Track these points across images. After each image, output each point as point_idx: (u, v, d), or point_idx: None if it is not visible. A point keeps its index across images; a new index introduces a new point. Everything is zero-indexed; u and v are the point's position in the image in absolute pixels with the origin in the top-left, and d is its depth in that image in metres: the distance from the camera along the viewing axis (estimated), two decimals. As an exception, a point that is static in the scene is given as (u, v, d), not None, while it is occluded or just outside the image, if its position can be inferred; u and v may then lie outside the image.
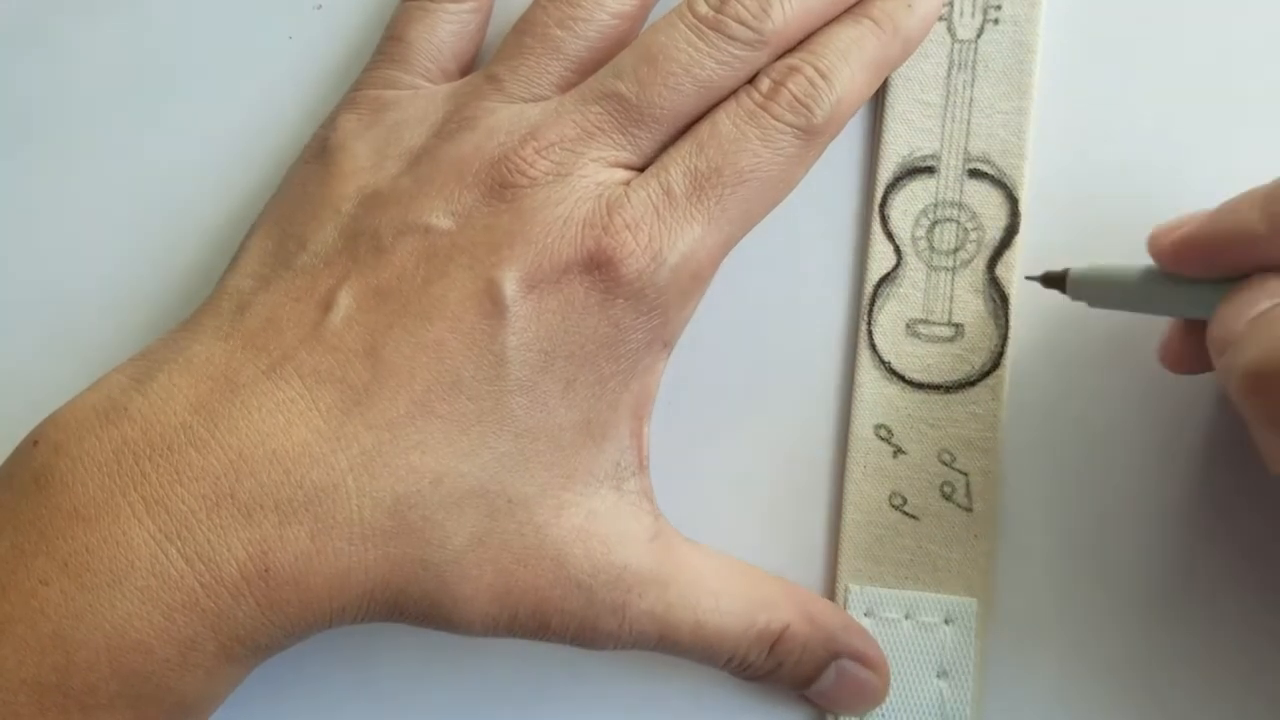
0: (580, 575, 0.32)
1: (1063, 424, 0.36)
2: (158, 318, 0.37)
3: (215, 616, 0.29)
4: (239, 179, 0.38)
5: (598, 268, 0.31)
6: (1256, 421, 0.28)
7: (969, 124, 0.36)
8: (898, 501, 0.36)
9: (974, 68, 0.36)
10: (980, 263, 0.36)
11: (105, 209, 0.38)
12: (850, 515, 0.36)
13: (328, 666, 0.36)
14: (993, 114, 0.36)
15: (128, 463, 0.29)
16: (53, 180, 0.38)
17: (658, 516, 0.33)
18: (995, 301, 0.35)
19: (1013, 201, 0.36)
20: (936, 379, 0.36)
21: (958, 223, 0.36)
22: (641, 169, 0.33)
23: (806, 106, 0.32)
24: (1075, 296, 0.33)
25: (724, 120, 0.32)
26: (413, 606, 0.31)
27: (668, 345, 0.33)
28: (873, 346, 0.36)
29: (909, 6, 0.34)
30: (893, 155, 0.36)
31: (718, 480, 0.37)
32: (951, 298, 0.36)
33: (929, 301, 0.36)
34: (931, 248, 0.36)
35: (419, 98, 0.34)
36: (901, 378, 0.36)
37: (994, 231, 0.36)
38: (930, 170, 0.36)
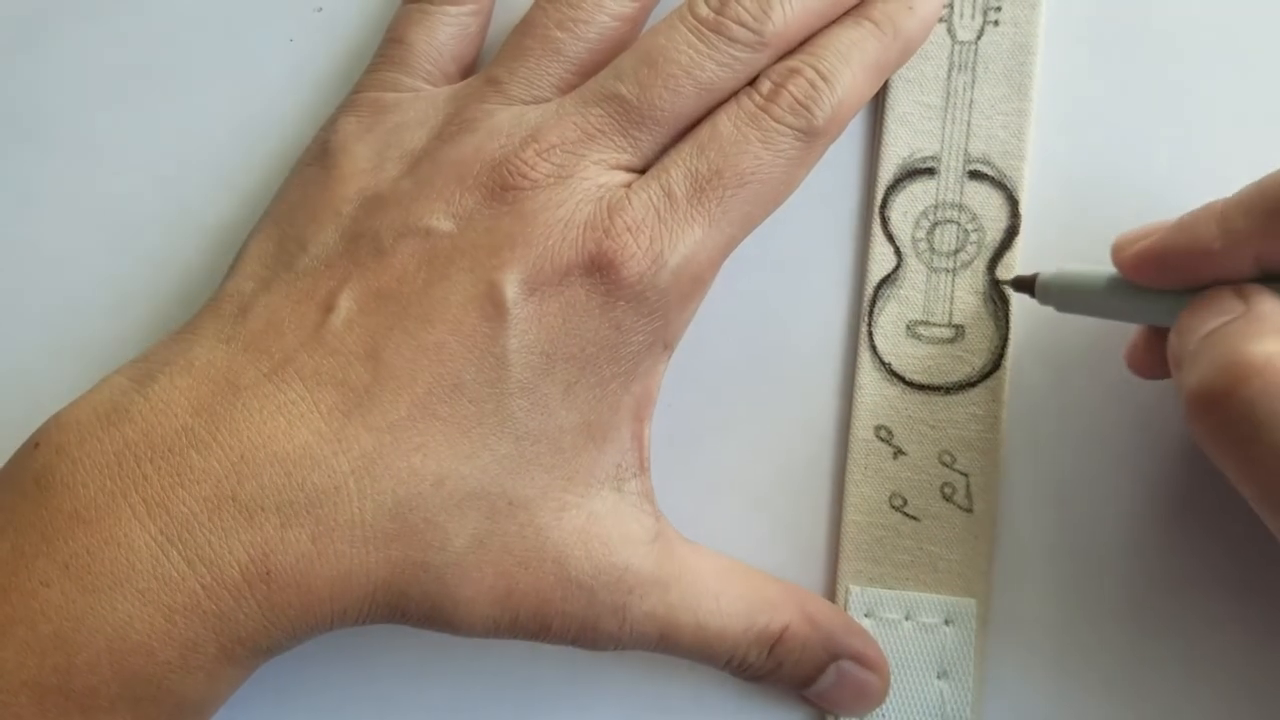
0: (581, 577, 0.32)
1: (1063, 425, 0.36)
2: (159, 320, 0.37)
3: (216, 619, 0.29)
4: (240, 181, 0.38)
5: (599, 270, 0.31)
6: (1200, 443, 0.29)
7: (969, 125, 0.36)
8: (898, 502, 0.36)
9: (974, 69, 0.36)
10: (980, 264, 0.36)
11: (106, 211, 0.38)
12: (850, 516, 0.36)
13: (328, 667, 0.36)
14: (993, 115, 0.36)
15: (129, 465, 0.29)
16: (53, 182, 0.38)
17: (658, 518, 0.34)
18: (995, 303, 0.36)
19: (1013, 203, 0.36)
20: (937, 380, 0.36)
21: (958, 224, 0.36)
22: (642, 171, 0.33)
23: (807, 108, 0.32)
24: (1044, 301, 0.33)
25: (725, 122, 0.32)
26: (414, 608, 0.31)
27: (669, 347, 0.33)
28: (873, 348, 0.36)
29: (909, 8, 0.34)
30: (893, 157, 0.36)
31: (718, 481, 0.37)
32: (952, 299, 0.36)
33: (929, 303, 0.36)
34: (932, 249, 0.36)
35: (419, 100, 0.34)
36: (902, 379, 0.36)
37: (994, 233, 0.36)
38: (930, 172, 0.36)
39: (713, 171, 0.32)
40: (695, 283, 0.32)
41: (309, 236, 0.32)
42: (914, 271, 0.36)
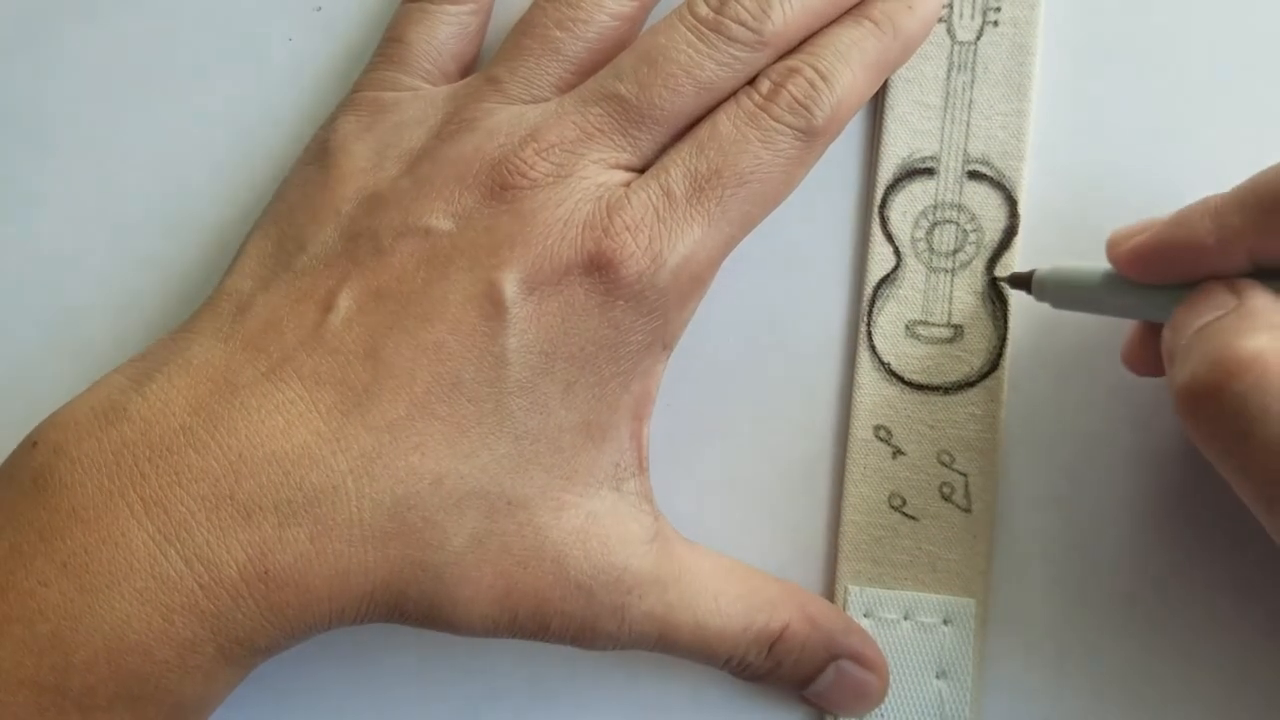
0: (580, 576, 0.32)
1: (1061, 425, 0.36)
2: (157, 319, 0.37)
3: (214, 618, 0.29)
4: (239, 180, 0.38)
5: (598, 270, 0.31)
6: (1192, 438, 0.29)
7: (968, 126, 0.36)
8: (897, 502, 0.36)
9: (973, 70, 0.36)
10: (979, 264, 0.36)
11: (104, 210, 0.38)
12: (849, 516, 0.36)
13: (327, 667, 0.36)
14: (992, 116, 0.36)
15: (127, 464, 0.29)
16: (52, 181, 0.38)
17: (657, 517, 0.34)
18: (994, 303, 0.36)
19: (1012, 203, 0.36)
20: (936, 380, 0.36)
21: (957, 224, 0.36)
22: (642, 170, 0.33)
23: (806, 108, 0.32)
24: (1040, 297, 0.33)
25: (724, 122, 0.32)
26: (412, 608, 0.31)
27: (668, 347, 0.33)
28: (872, 348, 0.36)
29: (909, 8, 0.34)
30: (892, 157, 0.36)
31: (717, 481, 0.37)
32: (951, 299, 0.36)
33: (928, 303, 0.36)
34: (931, 249, 0.36)
35: (418, 99, 0.34)
36: (901, 379, 0.36)
37: (993, 233, 0.36)
38: (930, 172, 0.36)
39: (712, 171, 0.32)
40: (694, 282, 0.32)
41: (308, 236, 0.32)
42: (913, 271, 0.36)
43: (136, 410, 0.30)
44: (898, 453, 0.36)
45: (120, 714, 0.29)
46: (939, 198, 0.36)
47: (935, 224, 0.36)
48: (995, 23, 0.36)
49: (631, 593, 0.32)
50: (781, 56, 0.33)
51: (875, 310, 0.36)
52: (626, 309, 0.31)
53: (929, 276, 0.36)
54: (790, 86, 0.32)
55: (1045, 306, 0.33)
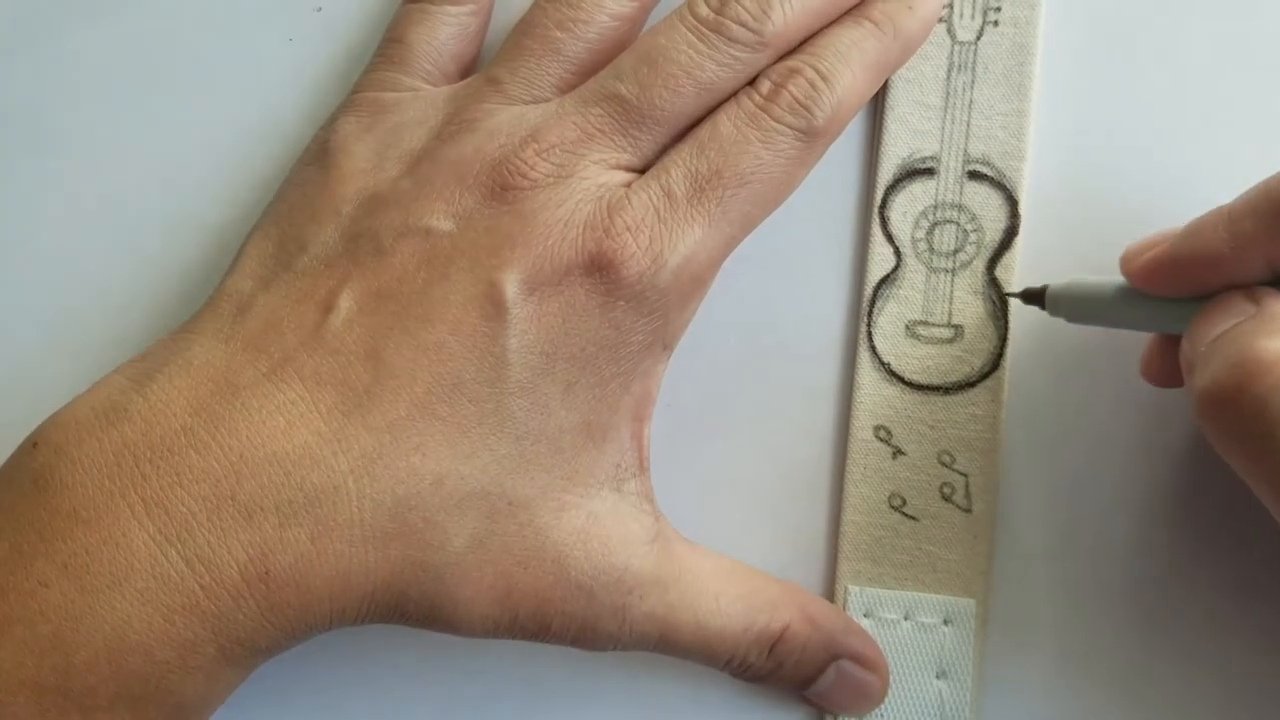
0: (581, 577, 0.32)
1: (1062, 425, 0.36)
2: (158, 319, 0.37)
3: (215, 619, 0.29)
4: (239, 181, 0.38)
5: (599, 270, 0.31)
6: (1212, 442, 0.29)
7: (969, 126, 0.36)
8: (897, 502, 0.36)
9: (974, 70, 0.36)
10: (980, 264, 0.36)
11: (104, 210, 0.38)
12: (850, 516, 0.36)
13: (327, 667, 0.36)
14: (992, 116, 0.36)
15: (128, 464, 0.29)
16: (52, 182, 0.38)
17: (658, 518, 0.34)
18: (995, 303, 0.36)
19: (1012, 203, 0.36)
20: (936, 380, 0.36)
21: (957, 224, 0.36)
22: (642, 171, 0.33)
23: (807, 108, 0.32)
24: (1054, 313, 0.33)
25: (724, 122, 0.32)
26: (413, 608, 0.31)
27: (668, 347, 0.33)
28: (872, 348, 0.36)
29: (909, 8, 0.34)
30: (893, 157, 0.36)
31: (717, 481, 0.37)
32: (951, 299, 0.36)
33: (929, 303, 0.36)
34: (931, 249, 0.36)
35: (419, 100, 0.34)
36: (901, 379, 0.36)
37: (993, 233, 0.36)
38: (930, 172, 0.36)
39: (712, 171, 0.32)
40: (695, 282, 0.32)
41: (308, 236, 0.32)
42: (913, 272, 0.36)
43: (137, 411, 0.30)
44: (898, 453, 0.36)
45: (121, 714, 0.29)
46: (939, 198, 0.36)
47: (935, 224, 0.36)
48: (995, 23, 0.36)
49: (632, 593, 0.32)
50: (782, 57, 0.33)
51: (875, 310, 0.36)
52: (627, 309, 0.31)
53: (929, 277, 0.36)
54: (791, 87, 0.32)
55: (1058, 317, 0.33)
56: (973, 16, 0.36)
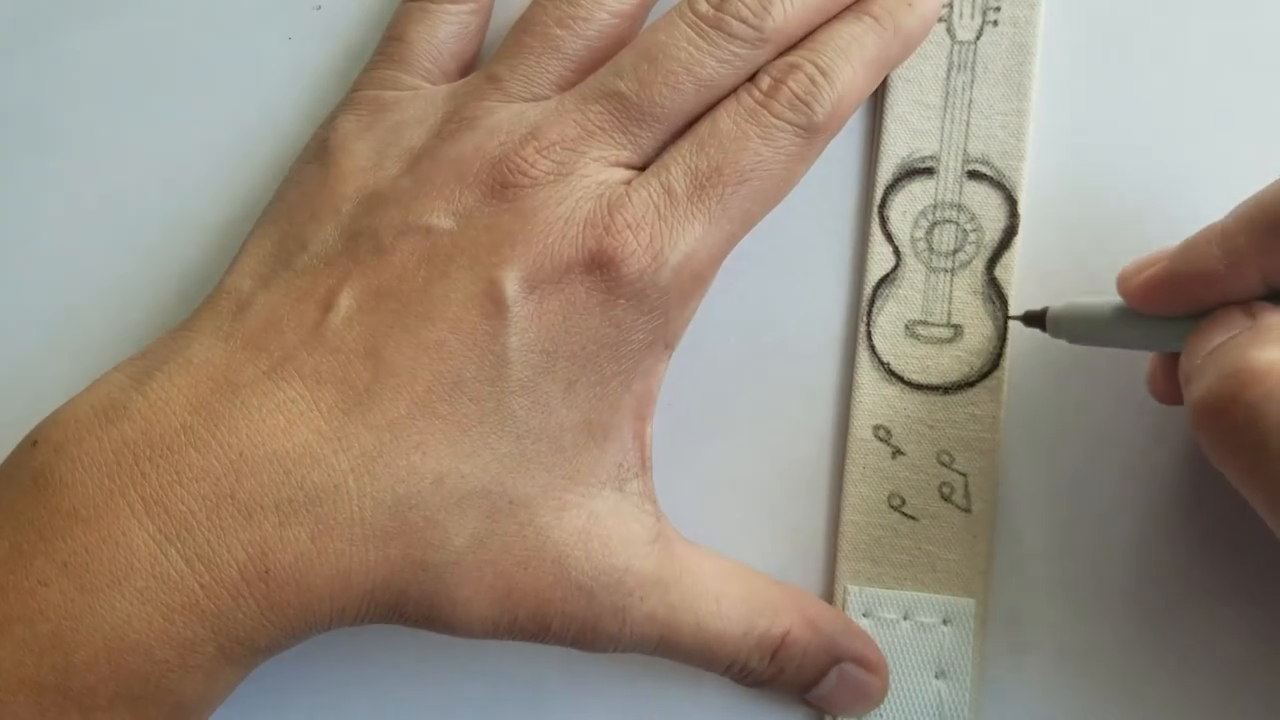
0: (581, 577, 0.32)
1: (1061, 425, 0.36)
2: (158, 318, 0.37)
3: (215, 618, 0.29)
4: (239, 179, 0.38)
5: (599, 268, 0.31)
6: (1207, 452, 0.29)
7: (968, 125, 0.36)
8: (896, 502, 0.36)
9: (973, 69, 0.36)
10: (979, 264, 0.36)
11: (104, 209, 0.38)
12: (849, 516, 0.36)
13: (327, 667, 0.36)
14: (992, 115, 0.36)
15: (127, 463, 0.29)
16: (52, 181, 0.38)
17: (660, 518, 0.33)
18: (994, 303, 0.36)
19: (1011, 203, 0.36)
20: (935, 380, 0.36)
21: (957, 224, 0.36)
22: (642, 168, 0.33)
23: (807, 104, 0.32)
24: (1055, 334, 0.33)
25: (724, 119, 0.32)
26: (412, 608, 0.31)
27: (669, 346, 0.33)
28: (872, 348, 0.36)
29: (909, 5, 0.34)
30: (892, 156, 0.36)
31: (717, 481, 0.37)
32: (950, 299, 0.36)
33: (928, 303, 0.36)
34: (931, 249, 0.36)
35: (419, 98, 0.34)
36: (900, 379, 0.36)
37: (993, 233, 0.36)
38: (929, 171, 0.36)
39: (712, 168, 0.32)
40: (696, 280, 0.32)
41: (308, 234, 0.32)
42: (913, 271, 0.36)
43: (137, 409, 0.30)
44: (897, 453, 0.36)
45: (121, 714, 0.29)
46: (939, 197, 0.36)
47: (935, 224, 0.36)
48: (995, 22, 0.36)
49: (633, 594, 0.32)
50: (782, 53, 0.33)
51: (875, 310, 0.36)
52: (628, 307, 0.31)
53: (929, 276, 0.36)
54: (790, 83, 0.32)
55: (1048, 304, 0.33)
56: (972, 16, 0.36)
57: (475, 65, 0.37)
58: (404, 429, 0.30)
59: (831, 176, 0.37)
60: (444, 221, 0.32)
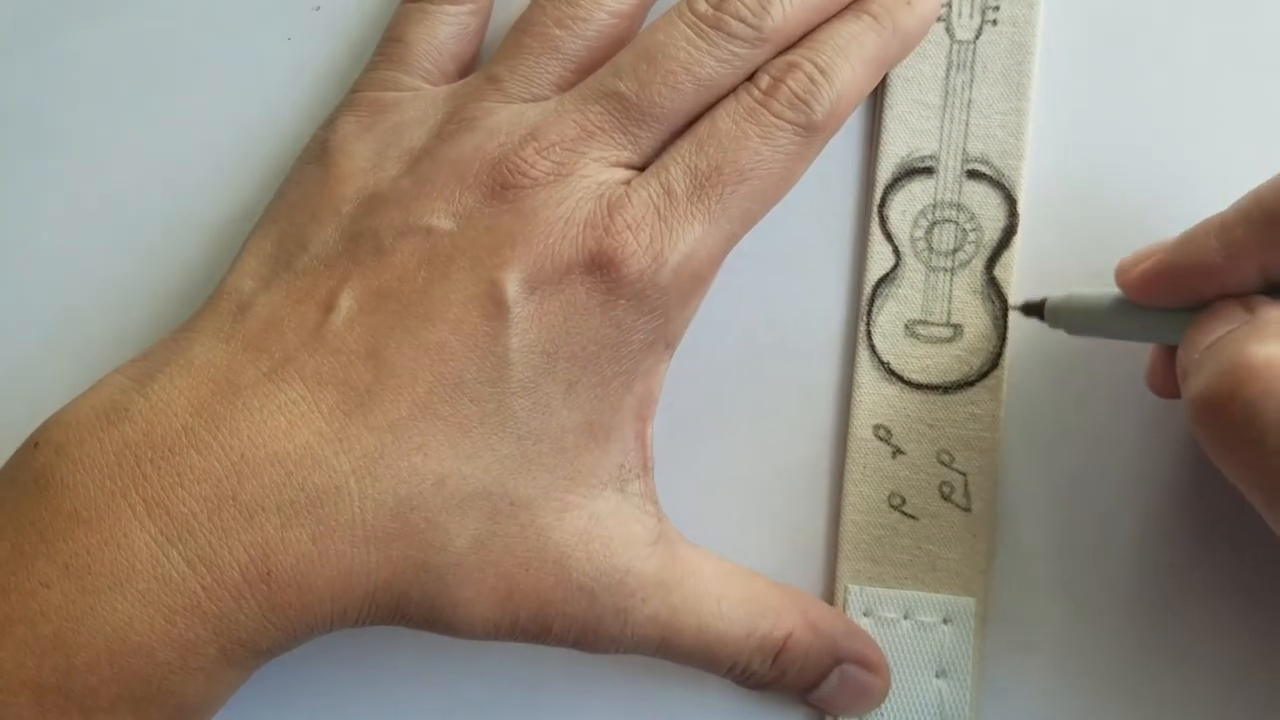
0: (582, 578, 0.32)
1: (1061, 424, 0.36)
2: (158, 319, 0.37)
3: (217, 619, 0.29)
4: (238, 180, 0.38)
5: (599, 269, 0.31)
6: (1205, 448, 0.29)
7: (967, 125, 0.36)
8: (897, 501, 0.36)
9: (972, 69, 0.36)
10: (979, 263, 0.36)
11: (104, 210, 0.38)
12: (849, 515, 0.36)
13: (328, 669, 0.36)
14: (991, 115, 0.36)
15: (129, 464, 0.29)
16: (52, 181, 0.38)
17: (661, 519, 0.33)
18: (994, 302, 0.36)
19: (1011, 202, 0.36)
20: (935, 379, 0.36)
21: (956, 223, 0.36)
22: (642, 168, 0.33)
23: (806, 103, 0.32)
24: (1053, 325, 0.33)
25: (723, 118, 0.32)
26: (414, 609, 0.31)
27: (670, 346, 0.33)
28: (872, 347, 0.36)
29: (908, 4, 0.34)
30: (891, 156, 0.36)
31: (717, 481, 0.37)
32: (950, 298, 0.36)
33: (928, 302, 0.36)
34: (930, 248, 0.36)
35: (418, 99, 0.34)
36: (900, 378, 0.36)
37: (992, 232, 0.36)
38: (929, 171, 0.36)
39: (712, 168, 0.32)
40: (696, 280, 0.32)
41: (309, 235, 0.32)
42: (912, 271, 0.36)
43: (138, 410, 0.30)
44: (897, 452, 0.36)
45: (122, 716, 0.29)
46: (938, 197, 0.36)
47: (934, 223, 0.36)
48: (994, 21, 0.36)
49: (634, 595, 0.32)
50: (781, 52, 0.33)
51: (874, 310, 0.36)
52: (628, 308, 0.31)
53: (928, 276, 0.36)
54: (790, 81, 0.32)
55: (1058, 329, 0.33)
56: (971, 15, 0.36)
57: (475, 66, 0.37)
58: (405, 430, 0.30)
59: (831, 176, 0.37)
60: (444, 222, 0.32)
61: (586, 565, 0.32)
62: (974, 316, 0.36)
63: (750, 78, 0.33)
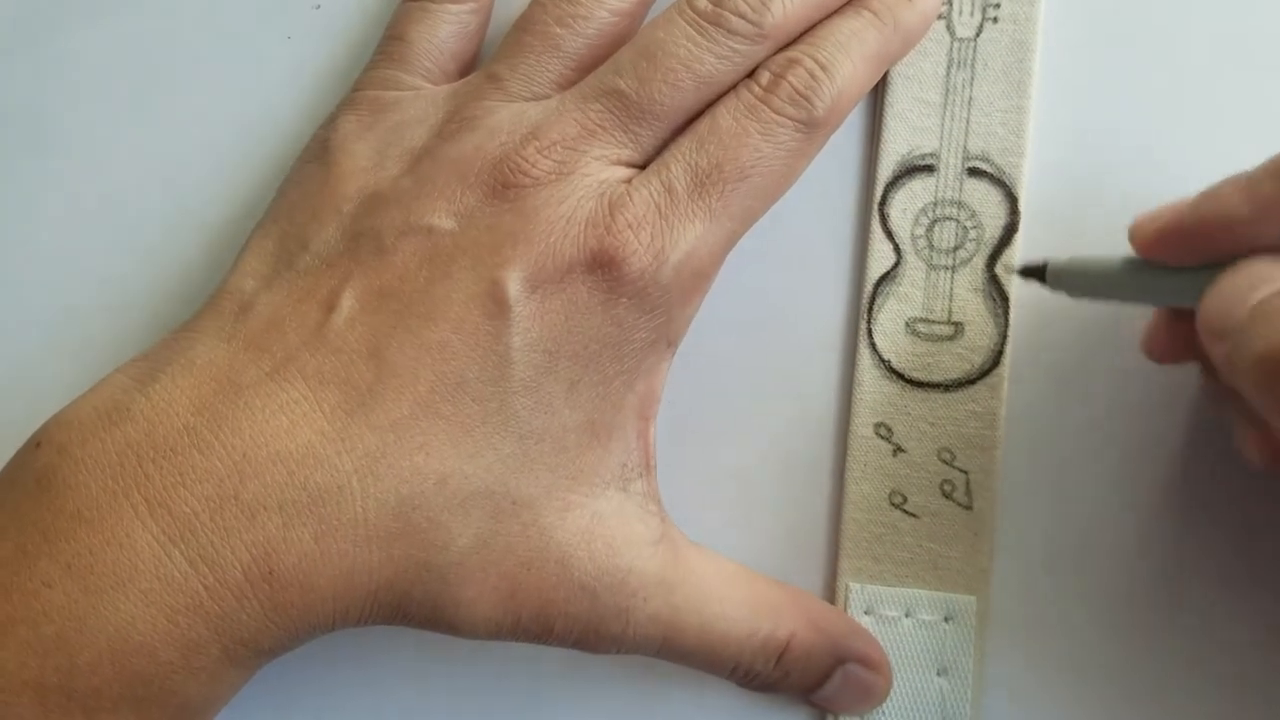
0: (584, 578, 0.32)
1: (1062, 422, 0.36)
2: (160, 319, 0.37)
3: (219, 619, 0.29)
4: (239, 180, 0.38)
5: (601, 267, 0.31)
6: (1272, 408, 0.27)
7: (968, 122, 0.36)
8: (898, 500, 0.36)
9: (973, 66, 0.36)
10: (980, 261, 0.36)
11: (105, 209, 0.38)
12: (850, 514, 0.36)
13: (328, 668, 0.36)
14: (992, 112, 0.36)
15: (131, 464, 0.29)
16: (53, 181, 0.38)
17: (664, 519, 0.33)
18: (995, 300, 0.36)
19: (1012, 200, 0.36)
20: (936, 377, 0.36)
21: (957, 221, 0.36)
22: (643, 166, 0.33)
23: (806, 99, 0.32)
24: (1055, 287, 0.33)
25: (724, 115, 0.32)
26: (416, 609, 0.31)
27: (672, 344, 0.33)
28: (872, 345, 0.36)
29: (909, 1, 0.34)
30: (892, 154, 0.36)
31: (718, 479, 0.37)
32: (951, 296, 0.36)
33: (929, 300, 0.36)
34: (931, 246, 0.36)
35: (419, 98, 0.34)
36: (901, 376, 0.36)
37: (993, 230, 0.36)
38: (930, 169, 0.36)
39: (713, 165, 0.32)
40: (697, 278, 0.32)
41: (310, 235, 0.32)
42: (913, 269, 0.36)
43: (140, 410, 0.30)
44: (898, 450, 0.36)
45: (125, 715, 0.29)
46: (939, 195, 0.36)
47: (935, 221, 0.36)
48: (995, 19, 0.36)
49: (636, 595, 0.32)
50: (781, 48, 0.33)
51: (875, 308, 0.36)
52: (630, 306, 0.31)
53: (929, 274, 0.36)
54: (790, 78, 0.32)
55: (1045, 303, 0.33)
56: (972, 13, 0.36)
57: (475, 65, 0.37)
58: (407, 429, 0.30)
59: (831, 174, 0.37)
60: (445, 222, 0.32)
61: (589, 565, 0.32)
62: (975, 314, 0.36)
63: (751, 74, 0.33)
